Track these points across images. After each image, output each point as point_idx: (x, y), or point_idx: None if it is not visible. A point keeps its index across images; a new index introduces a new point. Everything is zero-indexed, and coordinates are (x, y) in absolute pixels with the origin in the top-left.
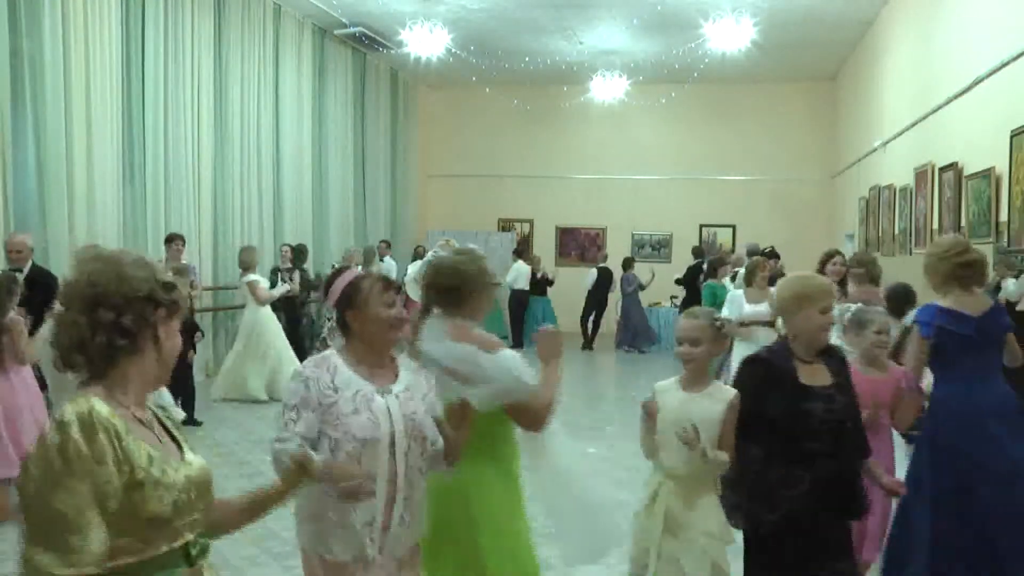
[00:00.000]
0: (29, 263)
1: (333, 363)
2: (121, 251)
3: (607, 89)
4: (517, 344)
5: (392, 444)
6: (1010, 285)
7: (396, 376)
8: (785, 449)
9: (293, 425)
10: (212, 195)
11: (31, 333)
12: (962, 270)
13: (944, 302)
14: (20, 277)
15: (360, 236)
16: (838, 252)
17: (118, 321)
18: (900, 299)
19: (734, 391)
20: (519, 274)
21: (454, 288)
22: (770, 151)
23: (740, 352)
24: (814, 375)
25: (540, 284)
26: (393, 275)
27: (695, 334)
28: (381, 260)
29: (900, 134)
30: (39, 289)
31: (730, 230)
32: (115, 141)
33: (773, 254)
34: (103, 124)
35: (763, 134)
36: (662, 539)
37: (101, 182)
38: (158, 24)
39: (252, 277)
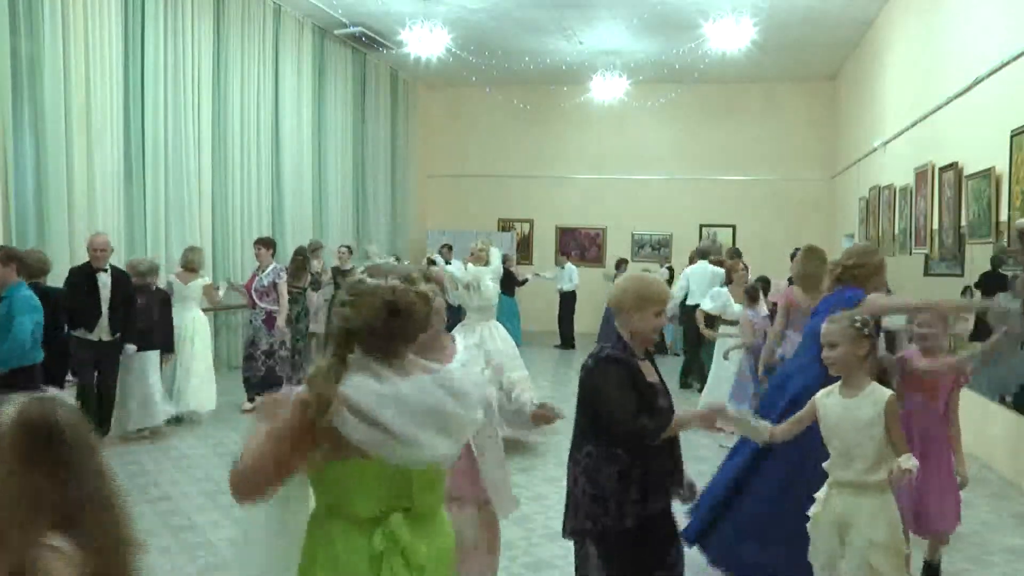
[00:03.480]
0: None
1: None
2: None
3: (607, 89)
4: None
5: None
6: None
7: (452, 353)
8: (644, 449)
9: None
10: (212, 195)
11: (120, 332)
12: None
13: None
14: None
15: (360, 236)
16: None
17: None
18: None
19: (889, 391)
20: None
21: None
22: (770, 151)
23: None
24: (650, 372)
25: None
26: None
27: (833, 338)
28: (448, 263)
29: (900, 134)
30: (119, 288)
31: (730, 230)
32: (115, 141)
33: (736, 253)
34: (103, 124)
35: (763, 134)
36: (835, 545)
37: (101, 182)
38: (158, 24)
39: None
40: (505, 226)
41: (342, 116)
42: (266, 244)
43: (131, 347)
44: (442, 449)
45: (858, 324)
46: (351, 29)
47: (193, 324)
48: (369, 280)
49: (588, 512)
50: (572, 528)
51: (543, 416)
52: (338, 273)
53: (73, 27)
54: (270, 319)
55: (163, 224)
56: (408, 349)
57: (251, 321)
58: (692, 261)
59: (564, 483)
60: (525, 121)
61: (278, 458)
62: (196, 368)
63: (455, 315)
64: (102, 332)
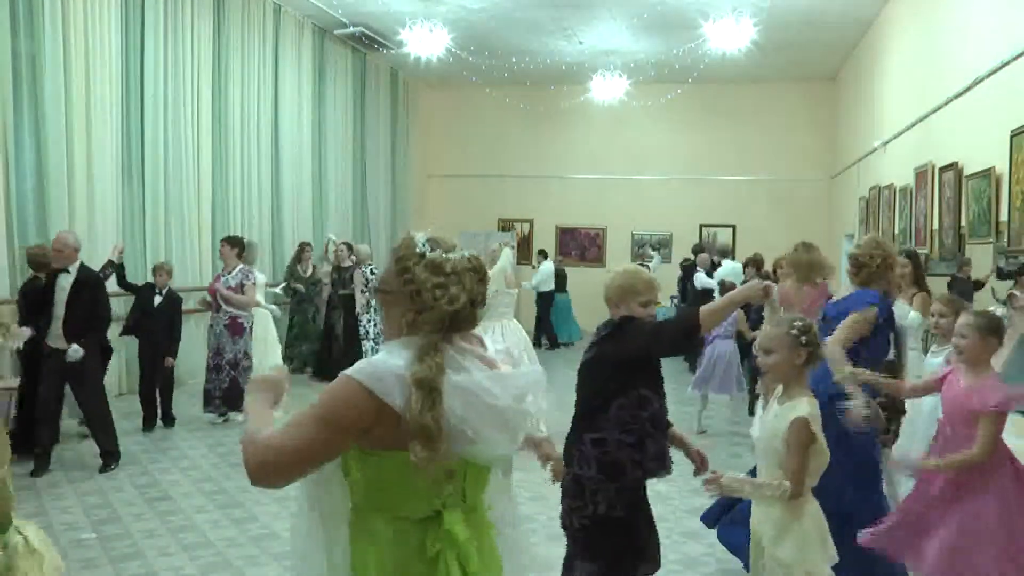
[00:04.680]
0: (77, 263)
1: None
2: None
3: (607, 89)
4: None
5: None
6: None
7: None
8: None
9: None
10: (212, 194)
11: (82, 333)
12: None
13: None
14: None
15: (360, 235)
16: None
17: None
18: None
19: (805, 412)
20: (546, 275)
21: None
22: (770, 151)
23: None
24: None
25: None
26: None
27: (770, 344)
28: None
29: (900, 134)
30: (82, 291)
31: (730, 230)
32: (115, 141)
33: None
34: (103, 124)
35: (763, 134)
36: (757, 553)
37: (101, 182)
38: (158, 24)
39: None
40: (505, 226)
41: (342, 116)
42: (232, 243)
43: (75, 349)
44: (504, 448)
45: (795, 331)
46: (351, 29)
47: (257, 320)
48: (452, 255)
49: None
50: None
51: (543, 453)
52: (337, 271)
53: (73, 27)
54: (235, 324)
55: (163, 223)
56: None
57: (212, 326)
58: (688, 259)
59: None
60: (525, 121)
61: (329, 444)
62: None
63: None
64: (56, 339)
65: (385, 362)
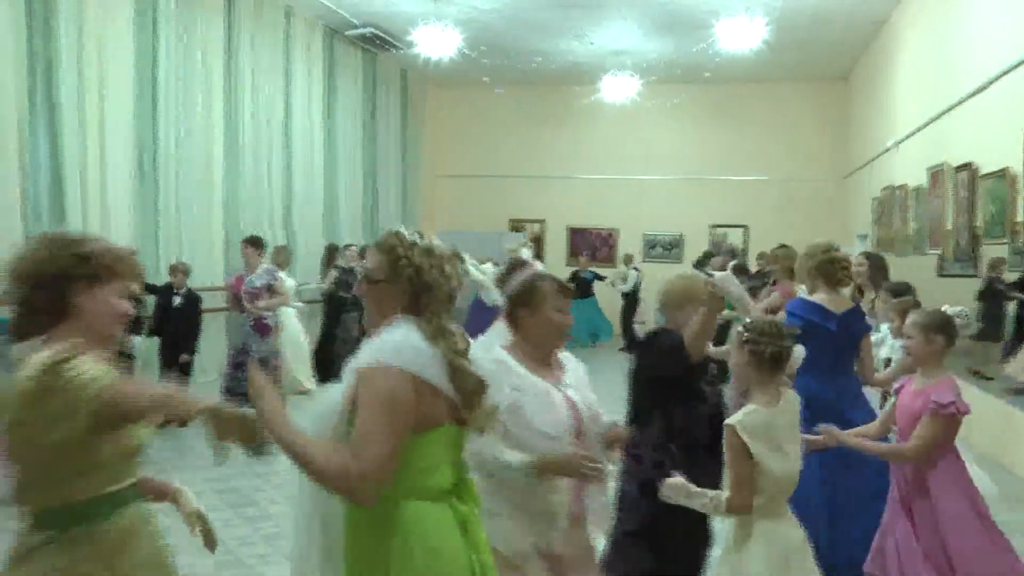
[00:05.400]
0: None
1: (507, 364)
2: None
3: (618, 89)
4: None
5: (577, 435)
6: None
7: (562, 370)
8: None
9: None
10: (223, 194)
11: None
12: (828, 266)
13: (811, 296)
14: None
15: (370, 236)
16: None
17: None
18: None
19: (737, 417)
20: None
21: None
22: (781, 151)
23: None
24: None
25: None
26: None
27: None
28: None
29: (914, 133)
30: None
31: (741, 230)
32: (128, 142)
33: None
34: (116, 125)
35: (774, 134)
36: None
37: (114, 183)
38: (170, 25)
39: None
40: (516, 227)
41: (352, 116)
42: (254, 244)
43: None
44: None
45: (740, 329)
46: (361, 30)
47: (287, 320)
48: (436, 242)
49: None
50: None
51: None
52: (345, 272)
53: (88, 29)
54: (260, 325)
55: (175, 224)
56: None
57: (238, 324)
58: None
59: None
60: (536, 121)
61: (403, 435)
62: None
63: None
64: None
65: (407, 343)
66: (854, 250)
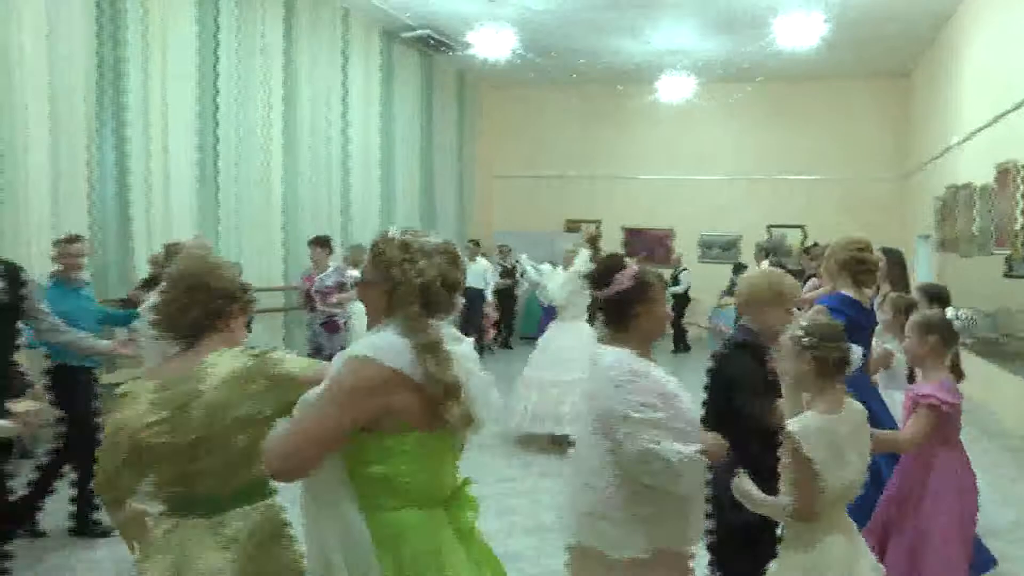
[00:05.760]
0: None
1: (647, 369)
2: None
3: (674, 89)
4: None
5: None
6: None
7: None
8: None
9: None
10: (282, 197)
11: None
12: (856, 264)
13: (848, 292)
14: None
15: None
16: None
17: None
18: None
19: (793, 426)
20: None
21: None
22: (840, 150)
23: None
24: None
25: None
26: (488, 279)
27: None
28: (473, 260)
29: (980, 131)
30: None
31: (799, 231)
32: (190, 145)
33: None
34: (178, 128)
35: (833, 133)
36: None
37: (176, 184)
38: (231, 31)
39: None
40: (572, 227)
41: (409, 118)
42: (321, 243)
43: None
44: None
45: (799, 334)
46: (418, 32)
47: (361, 320)
48: (422, 237)
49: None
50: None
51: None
52: None
53: (153, 34)
54: (330, 323)
55: (235, 225)
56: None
57: (310, 325)
58: (757, 259)
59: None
60: (592, 121)
61: (343, 425)
62: None
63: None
64: None
65: (382, 337)
66: (914, 251)
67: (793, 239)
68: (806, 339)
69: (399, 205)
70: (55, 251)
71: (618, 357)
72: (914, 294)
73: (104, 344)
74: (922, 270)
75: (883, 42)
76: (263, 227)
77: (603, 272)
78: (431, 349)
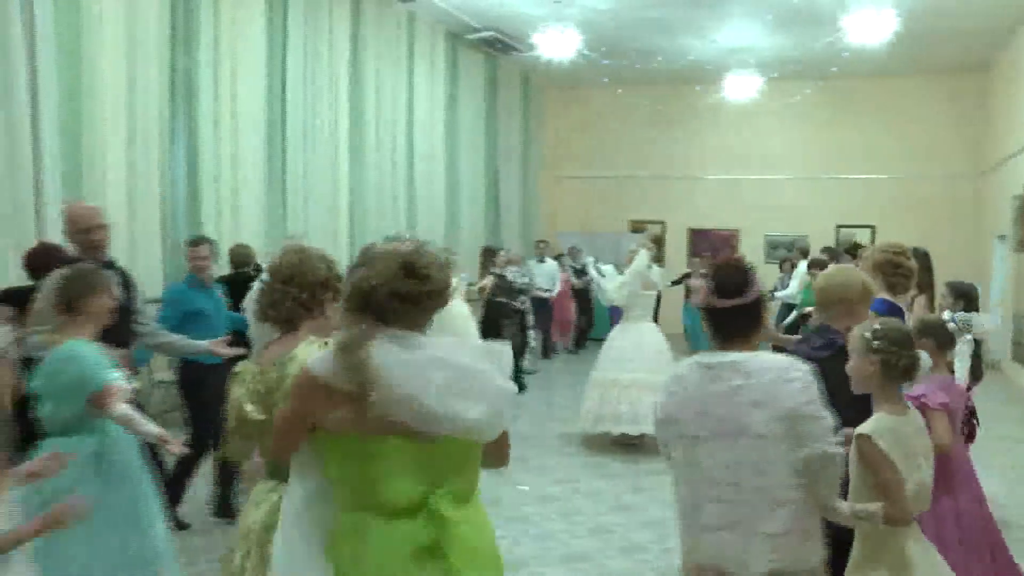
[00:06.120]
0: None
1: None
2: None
3: (740, 87)
4: None
5: None
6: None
7: None
8: None
9: None
10: (348, 198)
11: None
12: (888, 267)
13: (883, 295)
14: None
15: (491, 237)
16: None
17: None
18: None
19: (864, 428)
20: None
21: None
22: (911, 147)
23: None
24: None
25: None
26: (555, 279)
27: (850, 346)
28: (541, 261)
29: None
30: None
31: (869, 231)
32: (258, 149)
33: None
34: (247, 132)
35: (904, 130)
36: None
37: (246, 188)
38: (299, 36)
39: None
40: (636, 228)
41: (473, 120)
42: None
43: None
44: (474, 414)
45: (869, 335)
46: (483, 34)
47: (455, 319)
48: (381, 244)
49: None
50: None
51: None
52: (499, 278)
53: (224, 43)
54: None
55: (302, 227)
56: (429, 314)
57: None
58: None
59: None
60: (656, 121)
61: (294, 423)
62: None
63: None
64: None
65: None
66: (998, 253)
67: (863, 239)
68: (875, 342)
69: (464, 207)
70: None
71: (784, 360)
72: (942, 290)
73: (202, 344)
74: (998, 272)
75: (959, 36)
76: (330, 229)
77: (741, 280)
78: (344, 350)
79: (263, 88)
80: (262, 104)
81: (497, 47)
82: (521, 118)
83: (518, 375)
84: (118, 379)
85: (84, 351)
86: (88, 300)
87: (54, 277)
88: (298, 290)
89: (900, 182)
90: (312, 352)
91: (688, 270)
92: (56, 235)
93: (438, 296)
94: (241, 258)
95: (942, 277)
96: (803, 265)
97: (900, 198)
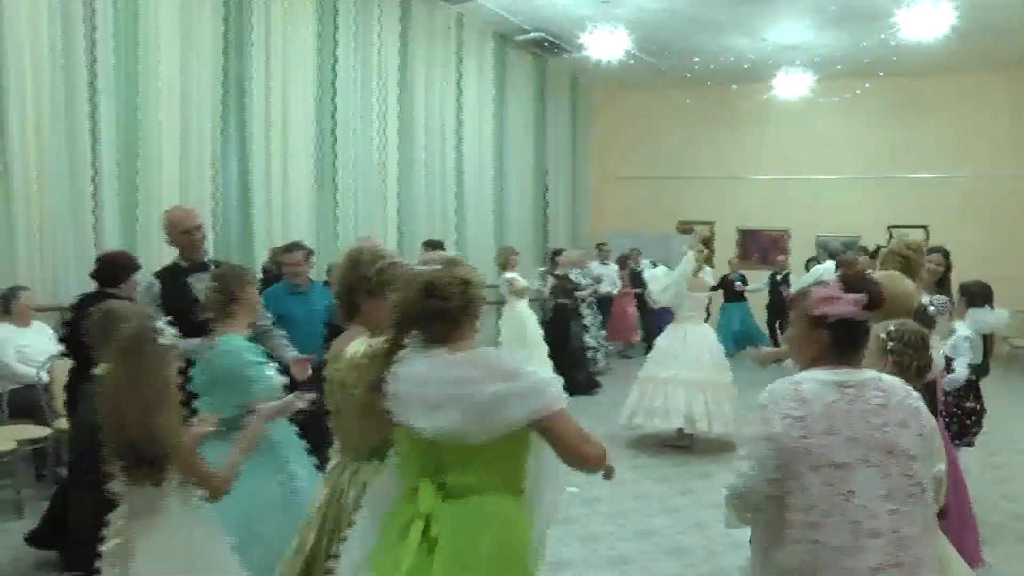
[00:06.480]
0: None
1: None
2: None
3: (790, 86)
4: None
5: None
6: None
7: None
8: None
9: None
10: (397, 200)
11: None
12: (899, 260)
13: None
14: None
15: (540, 238)
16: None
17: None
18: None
19: None
20: None
21: None
22: (968, 146)
23: None
24: None
25: None
26: (616, 282)
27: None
28: (605, 263)
29: None
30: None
31: (922, 231)
32: (308, 153)
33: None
34: (298, 136)
35: (960, 127)
36: None
37: (296, 190)
38: (348, 38)
39: (510, 275)
40: (685, 228)
41: (522, 121)
42: (435, 246)
43: None
44: (445, 423)
45: (884, 336)
46: (532, 35)
47: (518, 319)
48: (411, 267)
49: None
50: None
51: None
52: (561, 279)
53: (275, 46)
54: None
55: (352, 229)
56: (456, 329)
57: None
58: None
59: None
60: (705, 121)
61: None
62: (538, 357)
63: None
64: None
65: None
66: None
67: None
68: (891, 343)
69: (512, 208)
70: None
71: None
72: (957, 291)
73: (289, 356)
74: None
75: (1019, 30)
76: (379, 230)
77: (878, 291)
78: (372, 359)
79: (313, 91)
80: (312, 107)
81: (546, 48)
82: (569, 119)
83: (590, 376)
84: (271, 378)
85: (240, 346)
86: (243, 293)
87: (212, 276)
88: (345, 288)
89: (956, 181)
90: (357, 346)
91: (726, 272)
92: (114, 239)
93: (461, 311)
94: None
95: (997, 280)
96: (828, 264)
97: (956, 198)
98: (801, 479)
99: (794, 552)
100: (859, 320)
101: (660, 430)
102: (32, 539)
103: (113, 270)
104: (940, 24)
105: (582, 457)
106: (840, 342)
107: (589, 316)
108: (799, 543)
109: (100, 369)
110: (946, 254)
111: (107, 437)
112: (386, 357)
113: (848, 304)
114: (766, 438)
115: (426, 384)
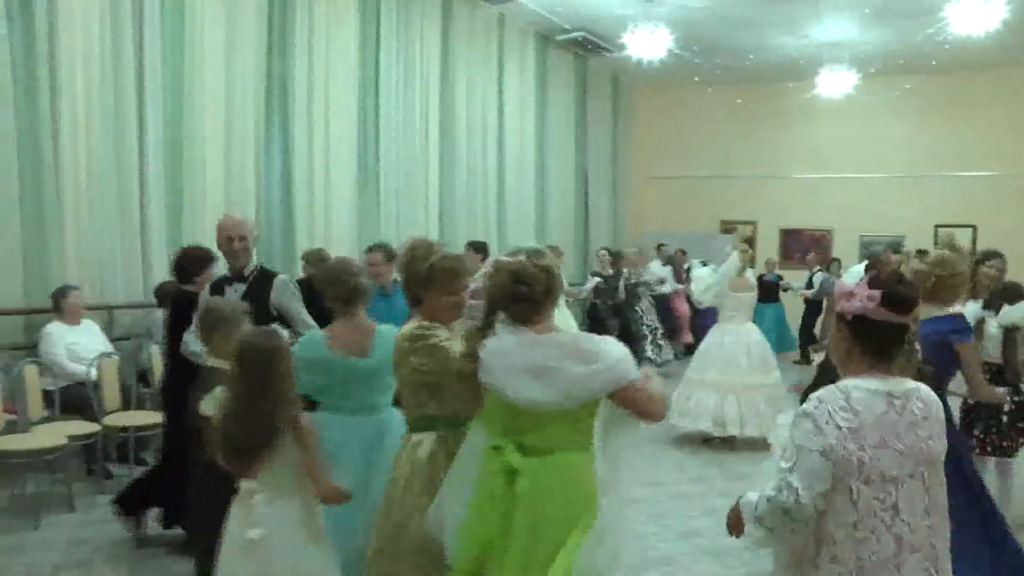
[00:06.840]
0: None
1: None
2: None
3: (834, 84)
4: None
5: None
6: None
7: None
8: None
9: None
10: (439, 200)
11: None
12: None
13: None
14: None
15: (581, 238)
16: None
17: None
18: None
19: None
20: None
21: None
22: (1018, 143)
23: None
24: None
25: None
26: (672, 282)
27: None
28: (666, 264)
29: None
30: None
31: (970, 231)
32: (350, 153)
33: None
34: (340, 138)
35: (1010, 124)
36: None
37: (338, 189)
38: (391, 39)
39: None
40: (727, 228)
41: (564, 121)
42: (477, 248)
43: None
44: (535, 395)
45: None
46: (573, 34)
47: (562, 319)
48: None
49: None
50: None
51: None
52: (602, 279)
53: (318, 47)
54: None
55: (395, 229)
56: (539, 312)
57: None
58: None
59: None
60: (748, 120)
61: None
62: None
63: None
64: None
65: None
66: None
67: (963, 240)
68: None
69: (553, 207)
70: None
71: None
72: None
73: None
74: None
75: None
76: (421, 231)
77: (914, 295)
78: (468, 336)
79: (355, 91)
80: (354, 107)
81: (587, 48)
82: (611, 118)
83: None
84: None
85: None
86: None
87: (327, 273)
88: (408, 283)
89: (1006, 179)
90: (399, 332)
91: (762, 272)
92: (160, 239)
93: (544, 295)
94: (315, 260)
95: None
96: (859, 267)
97: (1005, 196)
98: (851, 493)
99: (831, 571)
100: (879, 319)
101: (690, 431)
102: (120, 501)
103: (188, 265)
104: (991, 18)
105: (648, 413)
106: (860, 339)
107: (647, 313)
108: (837, 561)
109: (211, 362)
110: (1003, 258)
111: (227, 429)
112: (480, 333)
113: (863, 300)
114: (819, 450)
115: (514, 356)
